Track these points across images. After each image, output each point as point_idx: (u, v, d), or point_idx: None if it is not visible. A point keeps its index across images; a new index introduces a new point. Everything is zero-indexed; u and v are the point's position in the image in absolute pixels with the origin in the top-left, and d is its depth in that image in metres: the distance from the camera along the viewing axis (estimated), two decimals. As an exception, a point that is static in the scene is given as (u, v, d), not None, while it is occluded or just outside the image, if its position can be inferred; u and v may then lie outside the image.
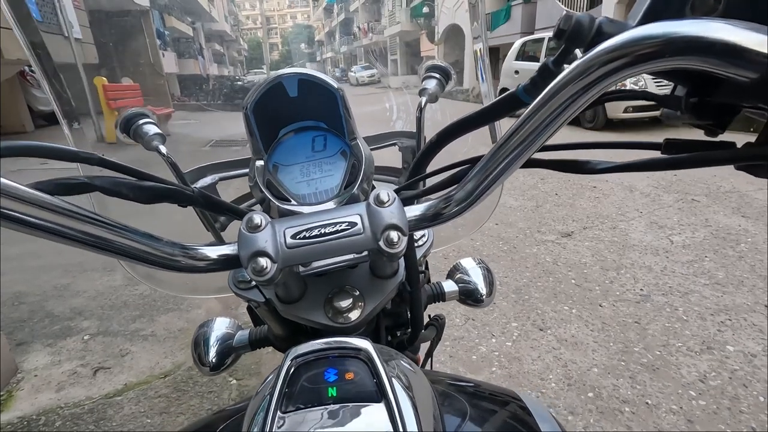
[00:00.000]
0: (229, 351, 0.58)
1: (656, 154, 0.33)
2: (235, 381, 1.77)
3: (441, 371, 0.48)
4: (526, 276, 2.55)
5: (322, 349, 0.32)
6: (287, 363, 0.31)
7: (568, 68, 0.26)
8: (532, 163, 0.37)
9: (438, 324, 0.60)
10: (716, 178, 4.02)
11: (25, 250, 2.95)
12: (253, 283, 0.43)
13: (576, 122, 7.29)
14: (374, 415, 0.28)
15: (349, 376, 0.30)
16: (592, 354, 1.87)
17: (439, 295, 0.63)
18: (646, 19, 0.28)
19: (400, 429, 0.27)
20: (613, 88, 0.28)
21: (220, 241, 0.56)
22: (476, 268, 0.68)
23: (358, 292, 0.41)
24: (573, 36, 0.29)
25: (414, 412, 0.28)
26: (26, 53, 0.55)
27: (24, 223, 0.26)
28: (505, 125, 0.44)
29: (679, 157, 0.31)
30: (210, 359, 0.58)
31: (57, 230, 0.27)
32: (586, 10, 10.65)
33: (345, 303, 0.40)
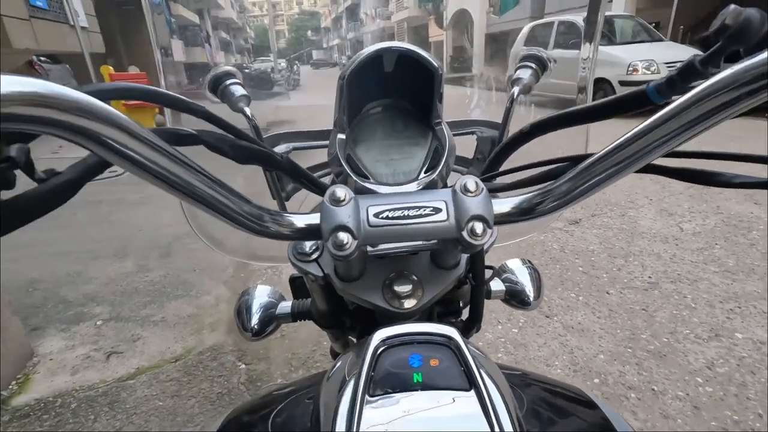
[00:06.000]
0: (270, 319, 0.59)
1: None
2: (244, 366, 1.80)
3: (502, 363, 0.47)
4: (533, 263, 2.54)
5: (409, 333, 0.31)
6: (373, 345, 0.30)
7: (730, 69, 0.24)
8: (649, 169, 0.34)
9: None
10: (729, 164, 3.93)
11: (38, 237, 3.00)
12: (313, 256, 0.43)
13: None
14: (465, 403, 0.27)
15: (434, 362, 0.29)
16: (599, 341, 1.87)
17: (486, 293, 0.62)
18: None
19: (493, 419, 0.26)
20: None
21: (284, 209, 0.57)
22: (523, 268, 0.67)
23: (416, 279, 0.40)
24: (738, 34, 0.26)
25: (504, 403, 0.28)
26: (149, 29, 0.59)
27: (138, 163, 0.26)
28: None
29: None
30: (252, 325, 0.59)
31: (165, 175, 0.27)
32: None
33: (405, 288, 0.39)
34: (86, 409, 1.61)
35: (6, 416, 1.58)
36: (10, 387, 1.72)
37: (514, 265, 0.68)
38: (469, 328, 0.52)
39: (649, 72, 6.60)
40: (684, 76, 0.31)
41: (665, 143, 0.27)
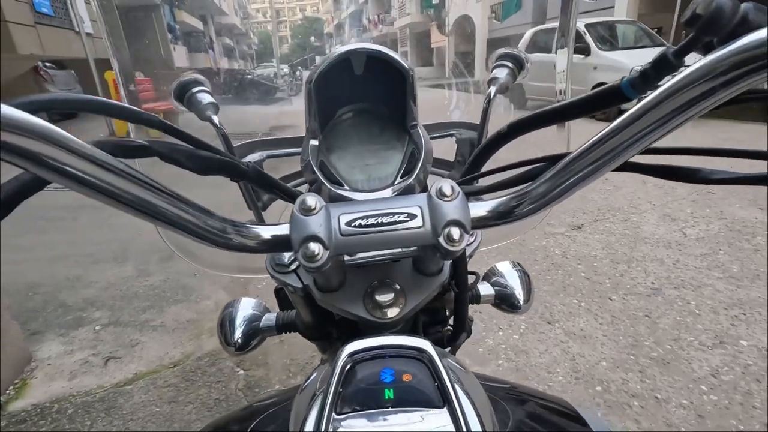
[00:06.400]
0: (255, 332, 0.57)
1: None
2: (242, 371, 1.79)
3: (482, 373, 0.46)
4: (535, 269, 2.52)
5: (380, 346, 0.30)
6: (342, 360, 0.29)
7: (703, 60, 0.23)
8: (627, 167, 0.33)
9: (468, 326, 0.58)
10: (732, 169, 3.91)
11: (39, 240, 3.01)
12: (292, 267, 0.41)
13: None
14: (437, 422, 0.26)
15: (407, 377, 0.28)
16: (601, 348, 1.85)
17: (475, 298, 0.61)
18: None
19: None
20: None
21: (261, 221, 0.55)
22: (513, 272, 0.66)
23: (399, 287, 0.39)
24: (709, 23, 0.25)
25: (479, 420, 0.27)
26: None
27: (79, 180, 0.24)
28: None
29: None
30: (235, 340, 0.57)
31: (111, 191, 0.25)
32: (600, -1, 10.38)
33: (386, 297, 0.37)
34: (83, 414, 1.60)
35: (3, 421, 1.57)
36: (8, 392, 1.71)
37: (504, 268, 0.66)
38: (456, 336, 0.50)
39: None
40: (658, 69, 0.30)
41: (641, 139, 0.26)
